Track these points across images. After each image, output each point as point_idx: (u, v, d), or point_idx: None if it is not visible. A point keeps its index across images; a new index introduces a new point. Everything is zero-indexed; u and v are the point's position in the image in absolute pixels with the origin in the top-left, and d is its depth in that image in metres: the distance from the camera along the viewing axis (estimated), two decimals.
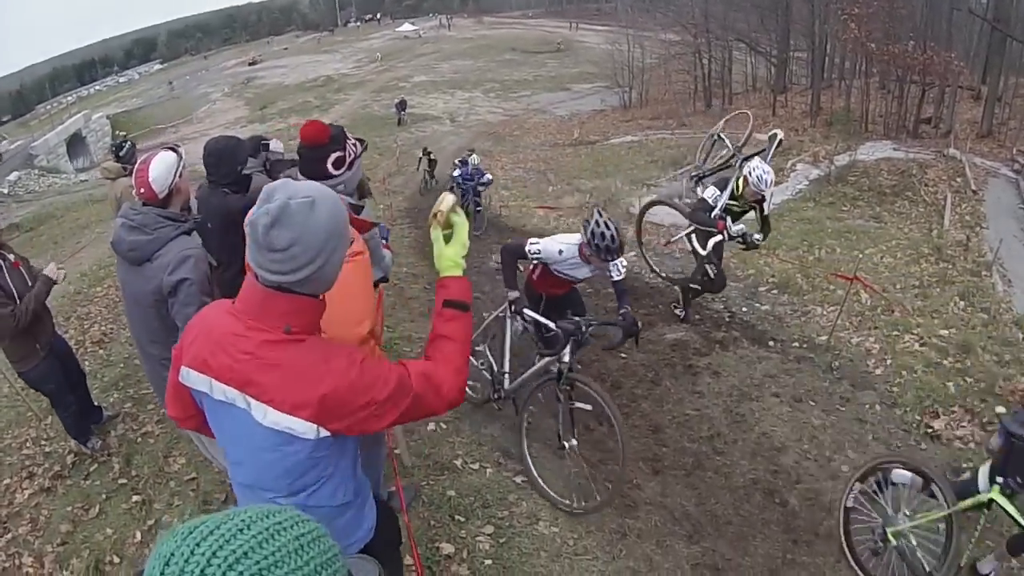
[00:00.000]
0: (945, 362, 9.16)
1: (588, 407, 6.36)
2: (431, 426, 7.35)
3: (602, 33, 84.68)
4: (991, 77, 36.08)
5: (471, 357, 6.57)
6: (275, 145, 7.06)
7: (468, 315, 2.91)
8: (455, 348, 2.82)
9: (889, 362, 9.16)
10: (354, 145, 3.79)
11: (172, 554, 1.26)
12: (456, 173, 20.54)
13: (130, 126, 68.10)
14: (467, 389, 7.11)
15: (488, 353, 7.74)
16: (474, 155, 21.86)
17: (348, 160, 3.72)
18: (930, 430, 7.70)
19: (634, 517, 6.36)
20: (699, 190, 10.49)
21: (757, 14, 50.74)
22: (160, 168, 4.45)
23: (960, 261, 15.32)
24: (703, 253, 9.71)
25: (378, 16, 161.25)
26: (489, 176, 20.84)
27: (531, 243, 7.17)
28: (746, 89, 53.90)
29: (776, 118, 43.95)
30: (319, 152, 3.70)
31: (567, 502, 6.36)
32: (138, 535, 5.93)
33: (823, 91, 43.40)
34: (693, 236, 10.13)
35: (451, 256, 2.98)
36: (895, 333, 10.01)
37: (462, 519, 5.92)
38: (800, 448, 7.48)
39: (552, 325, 6.51)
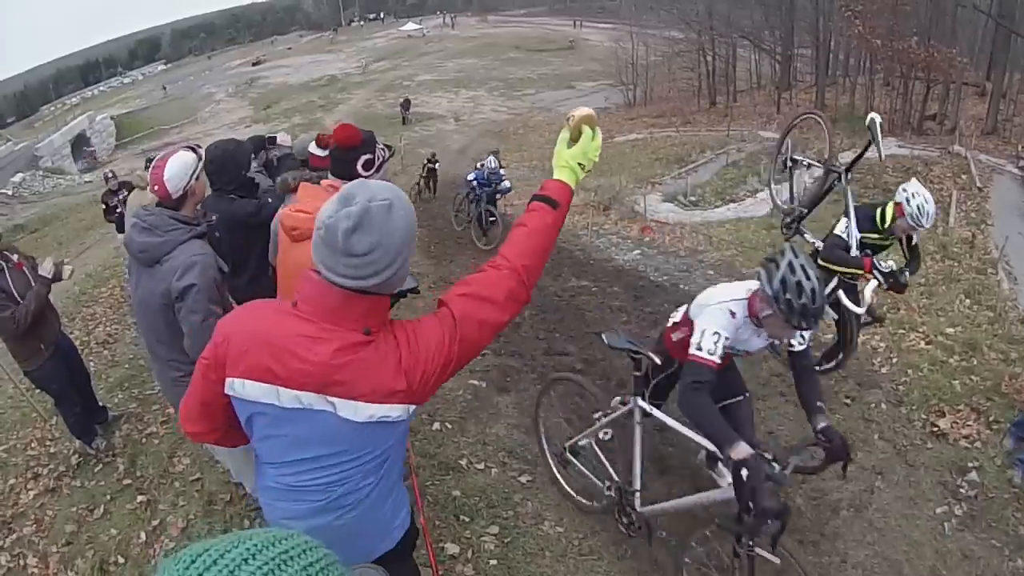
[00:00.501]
0: (951, 360, 9.12)
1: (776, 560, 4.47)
2: (436, 426, 7.34)
3: (606, 31, 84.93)
4: (996, 74, 36.19)
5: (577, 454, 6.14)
6: (282, 139, 6.98)
7: (555, 212, 2.83)
8: (524, 237, 2.79)
9: (895, 360, 9.12)
10: (383, 149, 3.86)
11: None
12: (471, 177, 17.70)
13: (134, 127, 68.28)
14: (574, 494, 6.28)
15: (601, 455, 5.90)
16: (492, 157, 17.86)
17: (377, 163, 3.77)
18: (936, 429, 7.64)
19: None
20: (808, 236, 8.64)
21: (761, 11, 50.83)
22: (176, 167, 4.34)
23: (966, 259, 15.33)
24: (861, 310, 7.72)
25: (381, 15, 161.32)
26: (508, 183, 17.43)
27: (697, 342, 4.63)
28: (750, 86, 53.99)
29: (780, 115, 43.99)
30: (351, 154, 3.76)
31: None
32: (143, 535, 5.93)
33: (827, 88, 43.53)
34: (840, 291, 7.78)
35: (566, 156, 2.90)
36: (901, 331, 9.98)
37: (467, 519, 5.91)
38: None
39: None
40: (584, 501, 6.19)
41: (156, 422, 7.73)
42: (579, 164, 2.90)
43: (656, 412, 5.31)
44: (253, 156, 7.00)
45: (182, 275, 4.24)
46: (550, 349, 9.60)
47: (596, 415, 5.96)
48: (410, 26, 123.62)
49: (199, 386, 2.70)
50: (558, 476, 6.46)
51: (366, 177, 3.67)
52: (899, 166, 27.55)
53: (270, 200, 5.89)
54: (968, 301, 11.90)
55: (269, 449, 2.67)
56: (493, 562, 5.44)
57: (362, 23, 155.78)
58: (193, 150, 4.52)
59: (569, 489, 6.32)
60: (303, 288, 2.48)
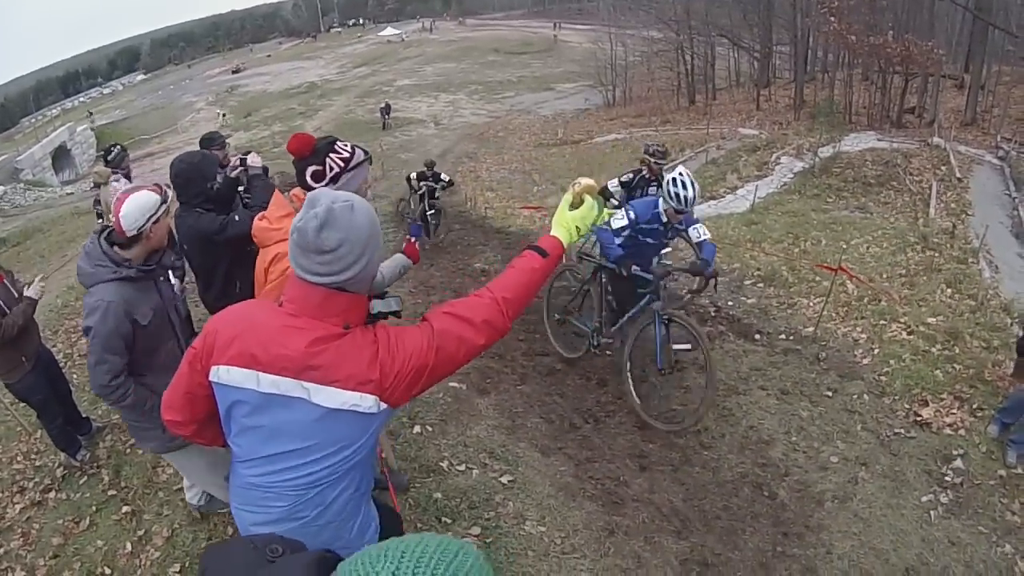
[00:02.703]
0: (933, 350, 9.15)
1: (687, 346, 7.87)
2: (416, 428, 7.33)
3: (585, 32, 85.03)
4: (974, 66, 36.45)
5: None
6: (252, 159, 6.86)
7: (543, 259, 3.08)
8: (511, 275, 3.02)
9: (876, 351, 9.13)
10: (343, 159, 3.75)
11: (394, 574, 1.33)
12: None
13: (115, 138, 67.92)
14: (560, 347, 9.45)
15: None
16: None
17: (329, 174, 3.70)
18: (919, 418, 7.66)
19: (621, 514, 6.32)
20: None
21: (739, 9, 51.03)
22: (133, 207, 4.22)
23: (946, 249, 15.35)
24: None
25: (361, 21, 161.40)
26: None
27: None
28: (729, 84, 54.32)
29: (760, 112, 44.20)
30: (300, 164, 3.74)
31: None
32: (128, 546, 5.90)
33: (806, 84, 43.71)
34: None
35: (567, 218, 3.25)
36: (882, 322, 9.98)
37: (449, 521, 5.91)
38: (788, 440, 7.46)
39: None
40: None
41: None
42: (576, 227, 3.25)
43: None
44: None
45: (87, 314, 4.23)
46: (530, 350, 9.64)
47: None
48: (389, 31, 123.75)
49: (184, 376, 2.83)
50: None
51: (318, 187, 3.67)
52: (879, 159, 27.68)
53: (236, 217, 5.84)
54: (950, 290, 11.92)
55: (245, 443, 2.75)
56: None
57: (340, 29, 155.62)
58: (161, 191, 4.46)
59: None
60: (288, 289, 2.67)
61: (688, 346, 7.81)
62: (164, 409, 2.97)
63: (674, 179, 7.54)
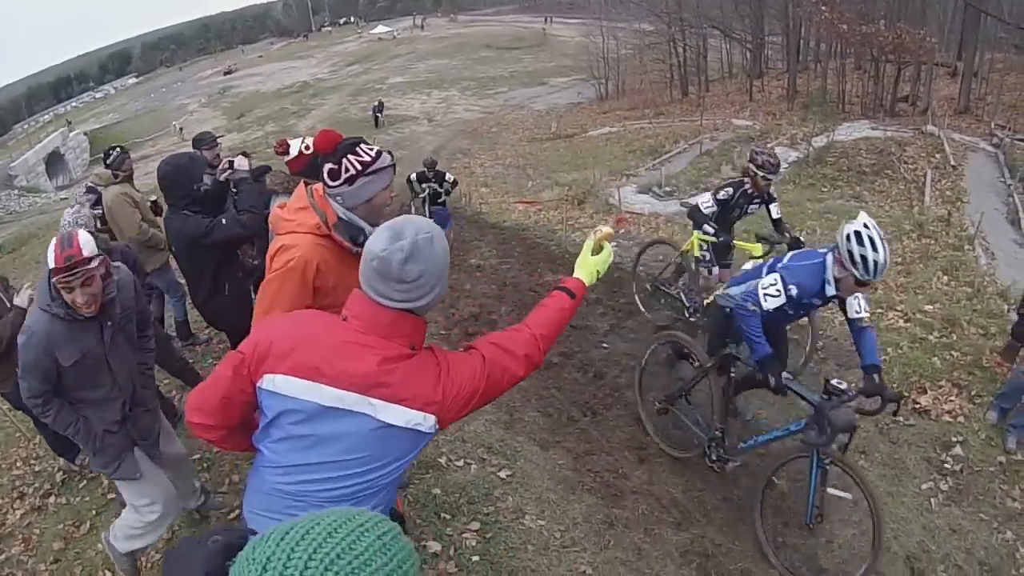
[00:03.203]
0: (930, 337, 9.16)
1: (847, 495, 5.68)
2: None
3: (576, 26, 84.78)
4: (967, 53, 36.49)
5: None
6: (239, 163, 6.78)
7: (571, 300, 3.30)
8: (544, 313, 3.22)
9: None
10: (362, 162, 3.65)
11: (268, 559, 1.33)
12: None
13: (108, 142, 67.80)
14: (661, 442, 7.28)
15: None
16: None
17: (344, 175, 3.63)
18: (918, 405, 7.69)
19: (621, 507, 6.34)
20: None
21: (730, 0, 50.86)
22: (87, 239, 4.21)
23: (942, 236, 15.41)
24: None
25: (352, 19, 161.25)
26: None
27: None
28: (722, 76, 54.16)
29: (753, 103, 44.17)
30: (322, 160, 3.71)
31: None
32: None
33: (799, 74, 43.63)
34: None
35: (590, 264, 3.47)
36: (879, 310, 10.03)
37: (448, 516, 5.90)
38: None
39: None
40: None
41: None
42: (596, 271, 3.48)
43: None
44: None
45: (20, 337, 4.31)
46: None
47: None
48: (380, 29, 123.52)
49: (225, 381, 2.80)
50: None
51: (333, 186, 3.65)
52: (873, 148, 27.68)
53: (224, 221, 5.82)
54: (946, 278, 11.95)
55: (283, 450, 2.75)
56: (475, 558, 5.44)
57: (331, 28, 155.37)
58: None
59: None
60: (353, 306, 2.76)
61: (847, 495, 5.67)
62: (192, 412, 2.91)
63: (858, 235, 5.07)
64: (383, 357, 2.63)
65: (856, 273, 5.19)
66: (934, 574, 5.77)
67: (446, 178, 15.09)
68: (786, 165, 27.13)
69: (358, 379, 2.61)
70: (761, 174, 8.44)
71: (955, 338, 9.10)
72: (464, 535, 5.69)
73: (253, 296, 6.42)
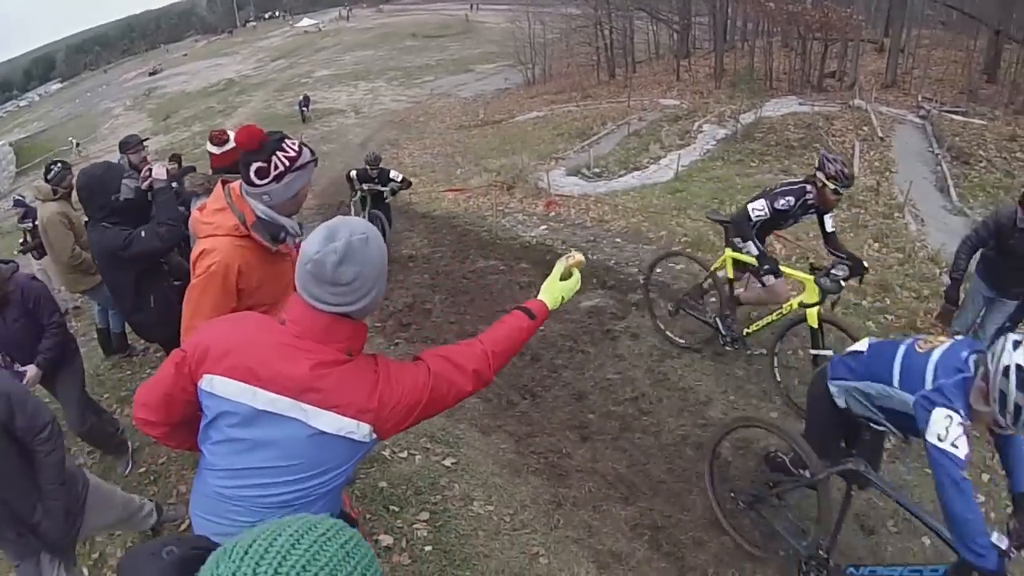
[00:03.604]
0: (864, 303, 9.28)
1: None
2: None
3: (502, 12, 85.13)
4: (893, 30, 37.29)
5: None
6: (157, 171, 6.52)
7: (530, 321, 3.25)
8: (500, 331, 3.18)
9: None
10: (289, 158, 3.63)
11: (234, 574, 1.29)
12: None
13: (34, 151, 66.77)
14: (746, 544, 5.62)
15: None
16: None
17: (273, 172, 3.59)
18: None
19: (567, 486, 6.34)
20: None
21: None
22: None
23: (872, 205, 15.63)
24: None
25: (278, 14, 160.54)
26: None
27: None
28: (649, 57, 54.50)
29: (680, 82, 44.49)
30: (246, 158, 3.63)
31: None
32: (85, 571, 5.68)
33: (726, 53, 43.97)
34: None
35: (557, 288, 3.41)
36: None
37: (397, 509, 5.83)
38: (726, 400, 7.53)
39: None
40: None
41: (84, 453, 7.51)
42: (562, 297, 3.42)
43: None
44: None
45: None
46: (462, 331, 9.64)
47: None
48: (305, 22, 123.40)
49: (168, 378, 2.78)
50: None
51: (261, 184, 3.62)
52: (801, 123, 28.03)
53: (143, 234, 5.68)
54: (877, 245, 12.12)
55: (222, 453, 2.72)
56: (428, 548, 5.39)
57: (255, 23, 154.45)
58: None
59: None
60: (291, 309, 2.69)
61: None
62: (137, 407, 2.90)
63: (1019, 371, 3.74)
64: (316, 362, 2.58)
65: (1001, 420, 3.82)
66: (884, 529, 5.82)
67: (391, 176, 13.72)
68: (715, 142, 27.49)
69: (290, 383, 2.57)
70: (832, 186, 7.19)
71: (888, 302, 9.23)
72: (414, 526, 5.65)
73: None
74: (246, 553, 1.31)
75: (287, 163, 3.60)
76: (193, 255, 3.70)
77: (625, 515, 5.99)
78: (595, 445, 6.96)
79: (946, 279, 8.90)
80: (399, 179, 13.77)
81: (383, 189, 13.61)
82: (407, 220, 16.79)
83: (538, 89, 55.58)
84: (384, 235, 11.60)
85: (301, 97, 54.53)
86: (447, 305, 10.81)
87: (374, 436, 2.66)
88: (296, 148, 3.66)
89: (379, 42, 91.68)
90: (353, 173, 13.83)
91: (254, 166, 3.56)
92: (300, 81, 72.87)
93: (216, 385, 2.62)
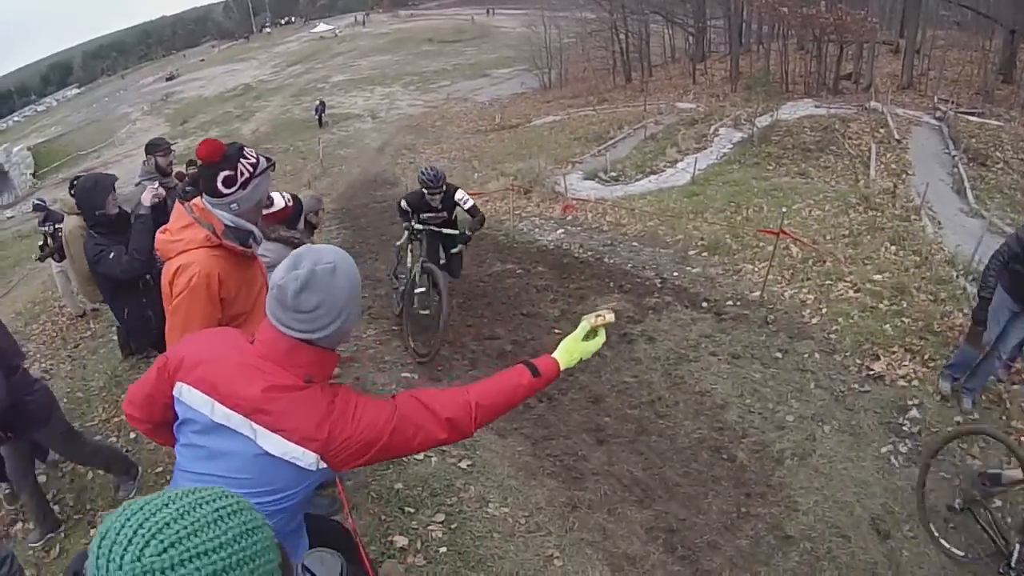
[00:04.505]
0: (880, 306, 9.23)
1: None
2: None
3: (518, 17, 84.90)
4: (909, 31, 37.27)
5: None
6: (144, 197, 6.34)
7: (533, 379, 3.07)
8: (494, 384, 3.02)
9: (824, 311, 9.25)
10: (252, 164, 3.72)
11: (108, 531, 1.36)
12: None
13: (53, 156, 67.04)
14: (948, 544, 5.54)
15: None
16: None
17: (240, 179, 3.67)
18: (872, 372, 7.78)
19: (583, 488, 6.33)
20: None
21: None
22: None
23: (888, 208, 15.50)
24: None
25: (293, 19, 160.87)
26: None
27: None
28: (665, 61, 54.51)
29: (696, 86, 44.46)
30: (211, 170, 3.68)
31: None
32: None
33: (741, 56, 43.99)
34: None
35: (576, 348, 3.24)
36: (828, 282, 10.10)
37: (412, 510, 5.84)
38: (742, 403, 7.53)
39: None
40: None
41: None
42: (580, 357, 3.25)
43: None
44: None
45: None
46: (479, 334, 9.64)
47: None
48: (322, 27, 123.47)
49: (151, 380, 2.91)
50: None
51: (229, 193, 3.69)
52: (817, 125, 27.94)
53: (111, 255, 5.87)
54: (894, 248, 12.03)
55: (186, 456, 2.79)
56: (443, 549, 5.39)
57: (271, 29, 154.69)
58: None
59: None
60: (262, 331, 2.71)
61: None
62: (126, 403, 3.06)
63: None
64: (271, 384, 2.60)
65: None
66: (900, 533, 5.81)
67: (457, 199, 9.44)
68: (731, 145, 27.40)
69: (243, 401, 2.61)
70: None
71: (905, 305, 9.18)
72: (430, 527, 5.65)
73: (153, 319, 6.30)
74: (122, 513, 1.38)
75: (251, 169, 3.69)
76: (167, 276, 3.74)
77: (640, 518, 5.98)
78: (611, 448, 6.96)
79: (963, 282, 8.88)
80: (468, 205, 9.51)
81: (451, 233, 9.60)
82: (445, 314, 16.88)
83: (554, 93, 55.54)
84: (439, 319, 8.92)
85: (318, 102, 54.58)
86: (464, 308, 10.75)
87: (322, 466, 2.66)
88: (255, 156, 3.75)
89: (395, 47, 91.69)
90: (404, 203, 9.75)
91: (221, 176, 3.63)
92: (317, 86, 72.93)
93: (184, 393, 2.70)
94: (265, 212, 5.71)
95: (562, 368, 3.18)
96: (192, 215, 3.72)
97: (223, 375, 2.64)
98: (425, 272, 9.30)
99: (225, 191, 3.64)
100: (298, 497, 2.79)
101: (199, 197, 3.81)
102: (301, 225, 6.09)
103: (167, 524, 1.35)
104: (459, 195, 9.50)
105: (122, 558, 1.31)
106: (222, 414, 2.62)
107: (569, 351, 3.23)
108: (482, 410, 2.93)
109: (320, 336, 2.60)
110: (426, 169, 9.42)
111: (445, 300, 8.89)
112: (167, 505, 1.39)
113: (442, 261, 9.93)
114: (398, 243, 10.33)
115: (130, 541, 1.32)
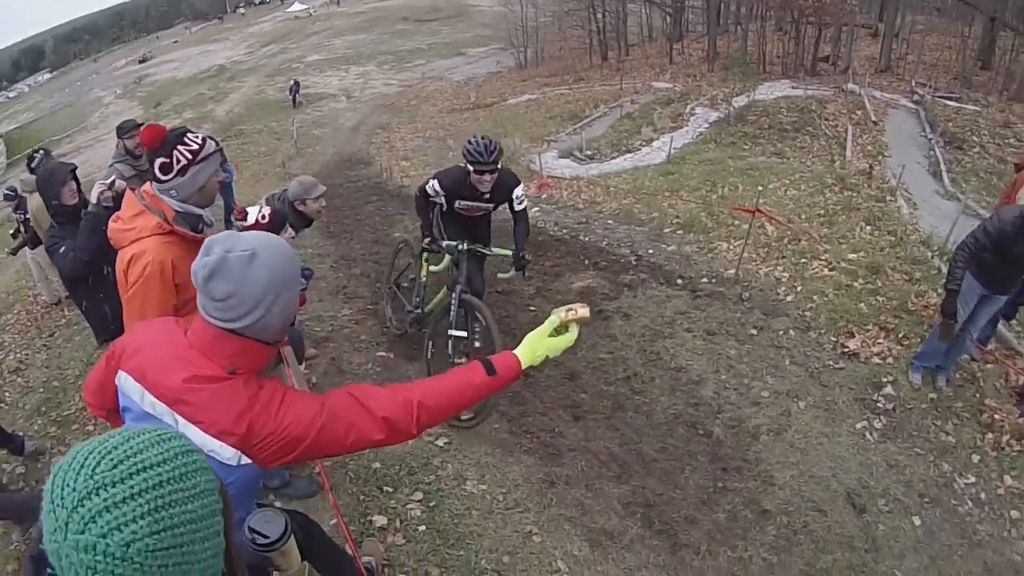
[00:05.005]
0: (855, 284, 9.28)
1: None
2: None
3: None
4: (888, 15, 37.66)
5: None
6: (95, 192, 6.27)
7: (488, 378, 2.83)
8: (443, 383, 2.82)
9: (799, 289, 9.29)
10: (191, 151, 3.66)
11: (60, 466, 1.40)
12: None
13: (25, 143, 66.44)
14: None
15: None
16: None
17: (177, 167, 3.63)
18: (846, 349, 7.83)
19: (560, 465, 6.32)
20: None
21: None
22: None
23: (864, 189, 15.63)
24: None
25: None
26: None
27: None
28: (642, 40, 54.57)
29: (673, 65, 44.58)
30: (151, 156, 3.68)
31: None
32: None
33: (719, 36, 44.20)
34: None
35: (542, 344, 2.95)
36: (803, 260, 10.16)
37: (390, 489, 5.82)
38: (718, 379, 7.56)
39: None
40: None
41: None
42: (546, 355, 2.95)
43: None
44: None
45: None
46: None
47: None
48: (296, 7, 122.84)
49: (101, 368, 2.92)
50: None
51: (166, 180, 3.67)
52: (794, 106, 28.12)
53: (61, 250, 5.69)
54: (869, 228, 12.11)
55: None
56: (422, 528, 5.39)
57: (245, 10, 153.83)
58: None
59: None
60: (195, 320, 2.60)
61: None
62: (84, 390, 3.07)
63: None
64: (193, 375, 2.49)
65: None
66: (875, 508, 5.90)
67: (516, 194, 7.10)
68: (707, 125, 27.52)
69: (167, 391, 2.53)
70: None
71: (880, 284, 9.23)
72: (408, 506, 5.63)
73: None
74: (75, 456, 1.42)
75: (189, 156, 3.64)
76: (121, 265, 3.71)
77: (617, 493, 5.99)
78: (587, 424, 6.96)
79: (937, 263, 8.94)
80: (521, 207, 7.20)
81: (502, 253, 7.10)
82: (400, 203, 16.67)
83: (530, 72, 55.71)
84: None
85: (292, 82, 54.26)
86: (436, 287, 10.59)
87: (245, 461, 2.53)
88: (199, 141, 3.69)
89: (370, 26, 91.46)
90: (435, 184, 7.13)
91: (157, 162, 3.60)
92: (291, 66, 72.59)
93: (122, 380, 2.66)
94: (244, 225, 5.70)
95: (524, 366, 2.89)
96: (143, 202, 3.67)
97: (152, 364, 2.58)
98: (464, 306, 6.82)
99: (162, 177, 3.64)
100: (232, 488, 2.49)
101: (148, 183, 3.79)
102: (288, 234, 5.90)
103: (116, 446, 1.41)
104: (518, 191, 7.12)
105: (76, 480, 1.36)
106: (149, 403, 2.57)
107: (532, 348, 2.95)
108: (426, 410, 2.73)
109: (239, 326, 2.47)
110: (476, 139, 6.79)
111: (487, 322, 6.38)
112: (112, 436, 1.45)
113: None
114: (400, 244, 9.00)
115: (83, 464, 1.38)
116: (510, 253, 6.94)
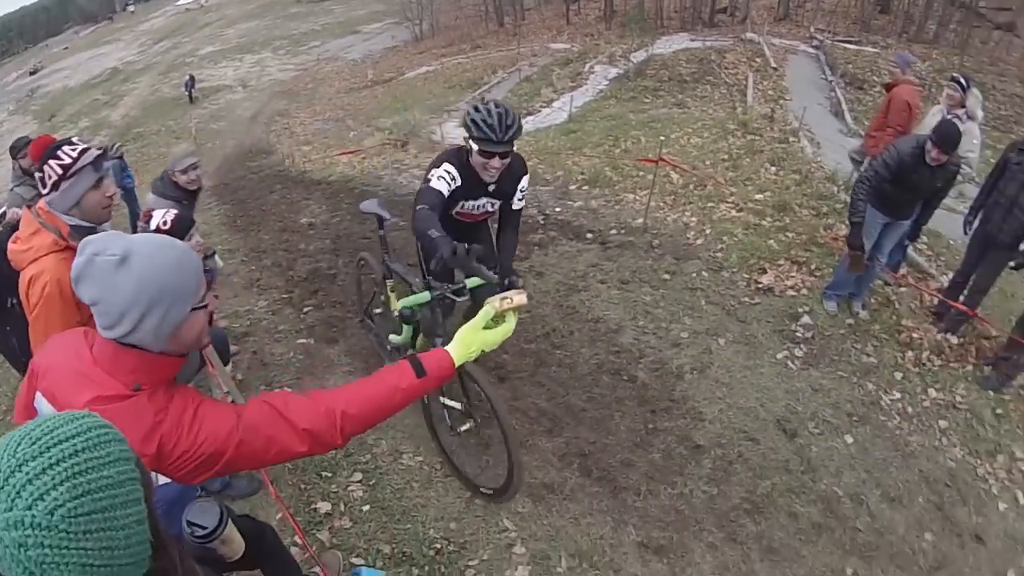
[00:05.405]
0: (764, 223, 9.49)
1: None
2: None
3: None
4: None
5: None
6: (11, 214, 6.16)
7: (417, 380, 2.71)
8: (366, 389, 2.66)
9: (708, 231, 9.48)
10: (63, 165, 3.56)
11: None
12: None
13: None
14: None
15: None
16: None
17: (49, 181, 3.57)
18: (760, 285, 8.06)
19: (491, 427, 6.28)
20: None
21: None
22: None
23: (767, 132, 15.81)
24: None
25: None
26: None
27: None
28: (538, 3, 54.34)
29: (570, 26, 44.63)
30: (35, 170, 3.63)
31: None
32: None
33: None
34: None
35: (475, 339, 2.82)
36: (710, 204, 10.36)
37: (329, 474, 5.86)
38: (636, 325, 7.68)
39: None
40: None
41: None
42: (482, 348, 2.84)
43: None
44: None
45: None
46: (368, 291, 9.61)
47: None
48: None
49: (24, 388, 2.72)
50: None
51: (45, 195, 3.63)
52: (693, 58, 28.31)
53: None
54: (774, 168, 12.28)
55: None
56: (366, 508, 5.44)
57: (134, 7, 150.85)
58: None
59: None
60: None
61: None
62: (15, 414, 2.89)
63: None
64: (96, 395, 2.32)
65: None
66: (806, 431, 6.12)
67: (521, 185, 5.48)
68: (607, 82, 27.59)
69: None
70: None
71: (788, 221, 9.44)
72: (349, 488, 5.69)
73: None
74: (6, 436, 1.48)
75: (60, 171, 3.55)
76: (22, 287, 3.63)
77: (551, 447, 6.07)
78: (513, 384, 7.01)
79: (844, 196, 9.13)
80: (518, 206, 5.57)
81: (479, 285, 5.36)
82: (303, 189, 16.49)
83: (426, 44, 55.30)
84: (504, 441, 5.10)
85: (187, 77, 53.25)
86: (352, 268, 10.29)
87: (163, 480, 2.49)
88: (73, 154, 3.58)
89: (263, 12, 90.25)
90: (444, 173, 5.18)
91: (37, 176, 3.56)
92: (185, 61, 71.20)
93: (39, 402, 2.53)
94: (149, 230, 5.60)
95: (457, 363, 2.78)
96: (39, 219, 3.61)
97: (61, 384, 2.44)
98: (463, 377, 5.40)
99: (43, 192, 3.57)
100: (160, 509, 2.41)
101: (42, 200, 3.71)
102: (194, 239, 5.54)
103: (34, 427, 1.49)
104: (524, 182, 5.48)
105: (1, 461, 1.43)
106: None
107: (466, 343, 2.80)
108: (350, 420, 2.58)
109: (115, 336, 2.30)
110: (484, 105, 4.93)
111: (505, 423, 4.95)
112: (33, 422, 1.53)
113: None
114: (360, 261, 7.62)
115: (5, 447, 1.45)
116: (494, 279, 4.63)
